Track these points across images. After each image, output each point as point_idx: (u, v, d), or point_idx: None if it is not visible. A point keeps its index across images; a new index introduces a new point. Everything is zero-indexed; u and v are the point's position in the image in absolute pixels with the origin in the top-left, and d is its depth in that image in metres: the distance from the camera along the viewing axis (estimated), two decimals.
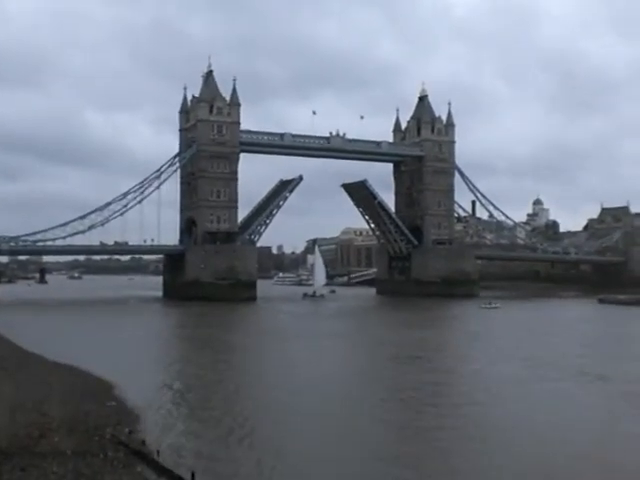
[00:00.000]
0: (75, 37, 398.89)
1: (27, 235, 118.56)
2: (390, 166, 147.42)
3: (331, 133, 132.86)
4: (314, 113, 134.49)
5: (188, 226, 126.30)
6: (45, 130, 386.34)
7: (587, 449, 23.64)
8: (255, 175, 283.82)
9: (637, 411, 29.86)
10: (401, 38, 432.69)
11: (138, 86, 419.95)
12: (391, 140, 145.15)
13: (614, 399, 32.19)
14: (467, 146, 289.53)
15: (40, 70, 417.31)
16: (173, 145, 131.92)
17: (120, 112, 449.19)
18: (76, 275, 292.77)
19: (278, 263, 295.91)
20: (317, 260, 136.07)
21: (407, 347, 52.80)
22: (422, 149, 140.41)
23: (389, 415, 29.15)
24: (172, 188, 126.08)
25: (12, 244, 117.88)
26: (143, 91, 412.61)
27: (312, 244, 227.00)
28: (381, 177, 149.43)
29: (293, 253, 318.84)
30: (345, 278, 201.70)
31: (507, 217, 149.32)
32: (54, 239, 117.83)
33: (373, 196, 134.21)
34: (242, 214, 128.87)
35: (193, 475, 18.59)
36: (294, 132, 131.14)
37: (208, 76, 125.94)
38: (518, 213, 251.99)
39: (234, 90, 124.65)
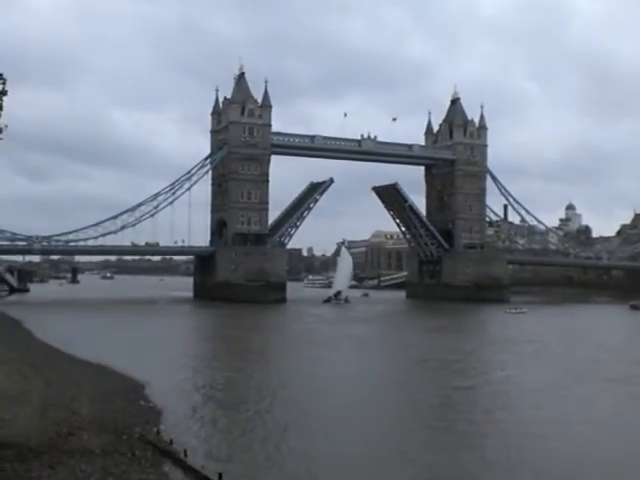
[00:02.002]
0: (101, 35, 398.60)
1: (59, 235, 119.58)
2: (419, 169, 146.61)
3: (362, 135, 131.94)
4: (345, 115, 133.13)
5: (219, 227, 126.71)
6: (72, 130, 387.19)
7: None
8: (285, 177, 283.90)
9: None
10: (430, 37, 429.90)
11: (165, 85, 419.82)
12: (422, 142, 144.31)
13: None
14: (498, 148, 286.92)
15: (66, 69, 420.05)
16: (201, 145, 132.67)
17: (147, 111, 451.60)
18: (108, 275, 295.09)
19: (308, 265, 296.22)
20: (342, 261, 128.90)
21: (425, 351, 52.40)
22: (454, 152, 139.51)
23: (409, 421, 28.88)
24: (203, 189, 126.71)
25: (44, 244, 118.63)
26: (170, 90, 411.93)
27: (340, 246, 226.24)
28: (411, 180, 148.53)
29: (323, 255, 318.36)
30: (375, 281, 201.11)
31: (539, 222, 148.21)
32: (86, 239, 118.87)
33: (404, 199, 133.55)
34: (272, 216, 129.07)
35: (220, 476, 18.48)
36: (323, 133, 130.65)
37: (240, 78, 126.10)
38: (550, 217, 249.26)
39: (266, 92, 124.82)
